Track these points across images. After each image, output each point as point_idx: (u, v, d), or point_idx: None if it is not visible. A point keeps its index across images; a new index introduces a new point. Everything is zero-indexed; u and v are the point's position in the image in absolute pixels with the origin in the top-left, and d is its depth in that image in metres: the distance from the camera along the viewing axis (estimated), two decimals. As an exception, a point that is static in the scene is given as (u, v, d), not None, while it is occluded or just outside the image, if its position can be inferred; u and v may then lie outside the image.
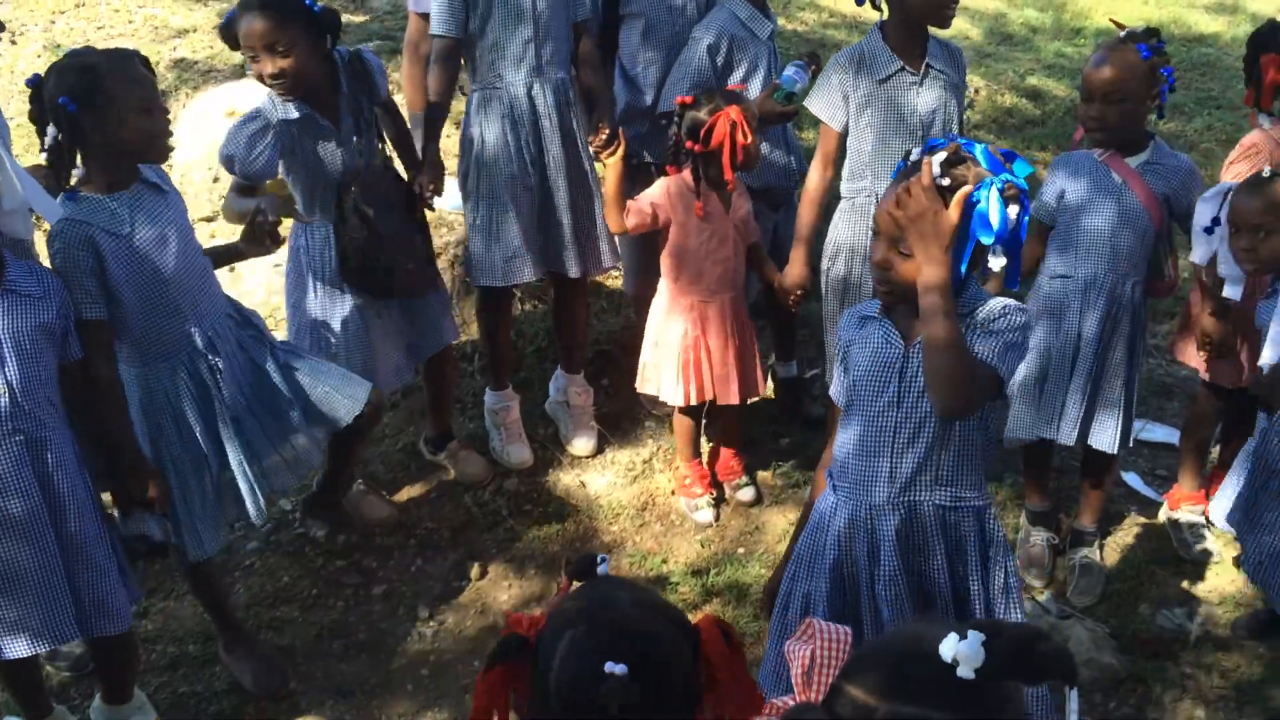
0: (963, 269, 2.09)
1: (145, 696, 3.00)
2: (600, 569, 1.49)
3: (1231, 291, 3.08)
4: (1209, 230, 3.05)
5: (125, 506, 2.74)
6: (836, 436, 2.35)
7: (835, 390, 2.39)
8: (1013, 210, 2.06)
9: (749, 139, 3.24)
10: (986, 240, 2.05)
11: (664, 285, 3.54)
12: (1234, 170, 3.27)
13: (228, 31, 3.08)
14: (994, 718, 1.14)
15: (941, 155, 2.07)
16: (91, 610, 2.60)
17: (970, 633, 1.14)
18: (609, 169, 3.40)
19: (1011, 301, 2.16)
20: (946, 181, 2.06)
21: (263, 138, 3.06)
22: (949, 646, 1.14)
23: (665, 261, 3.49)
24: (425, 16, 4.44)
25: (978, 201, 2.05)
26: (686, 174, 3.38)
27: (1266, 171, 2.94)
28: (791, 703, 1.38)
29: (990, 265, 2.09)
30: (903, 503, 2.24)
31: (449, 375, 3.80)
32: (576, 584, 1.50)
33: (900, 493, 2.23)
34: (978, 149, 2.11)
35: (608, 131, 3.40)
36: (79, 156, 2.63)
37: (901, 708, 1.16)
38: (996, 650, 1.13)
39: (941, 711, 1.14)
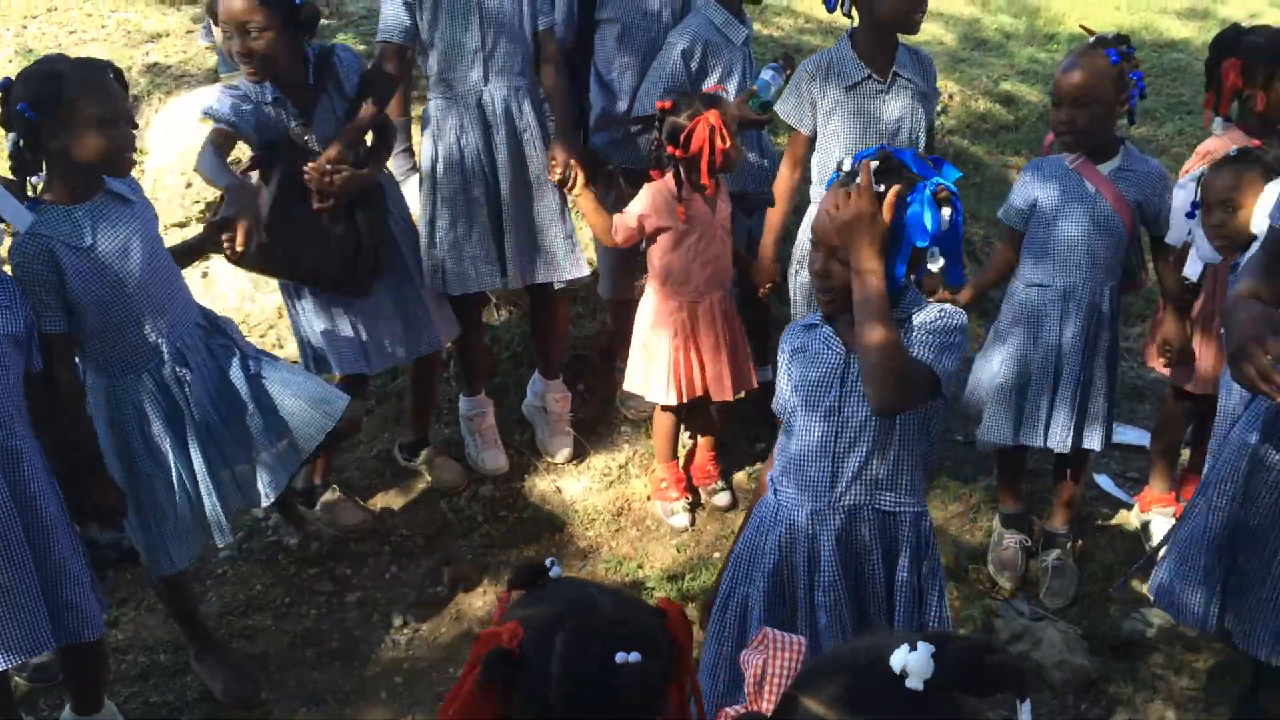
0: (900, 271, 2.13)
1: (115, 707, 2.97)
2: (552, 573, 1.49)
3: (1191, 270, 3.18)
4: (1190, 214, 3.11)
5: (80, 517, 2.72)
6: (778, 442, 2.38)
7: (778, 400, 2.40)
8: (946, 212, 2.10)
9: (728, 143, 3.26)
10: (921, 243, 2.10)
11: (651, 287, 3.55)
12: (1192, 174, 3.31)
13: (214, 8, 3.13)
14: None
15: (874, 162, 2.13)
16: (67, 617, 2.58)
17: (920, 644, 1.15)
18: (580, 198, 3.43)
19: (949, 306, 2.20)
20: (881, 188, 2.10)
21: (245, 104, 3.14)
22: (899, 658, 1.15)
23: (653, 265, 3.50)
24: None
25: (911, 203, 2.10)
26: (669, 179, 3.39)
27: (1234, 150, 2.99)
28: (742, 711, 1.39)
29: (929, 267, 2.13)
30: (843, 508, 2.26)
31: (431, 383, 3.78)
32: (518, 593, 1.48)
33: (840, 498, 2.26)
34: (908, 156, 2.15)
35: (560, 168, 3.41)
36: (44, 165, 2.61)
37: (852, 718, 1.16)
38: (946, 661, 1.14)
39: None
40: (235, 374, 2.89)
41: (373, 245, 3.31)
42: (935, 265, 2.13)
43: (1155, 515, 3.62)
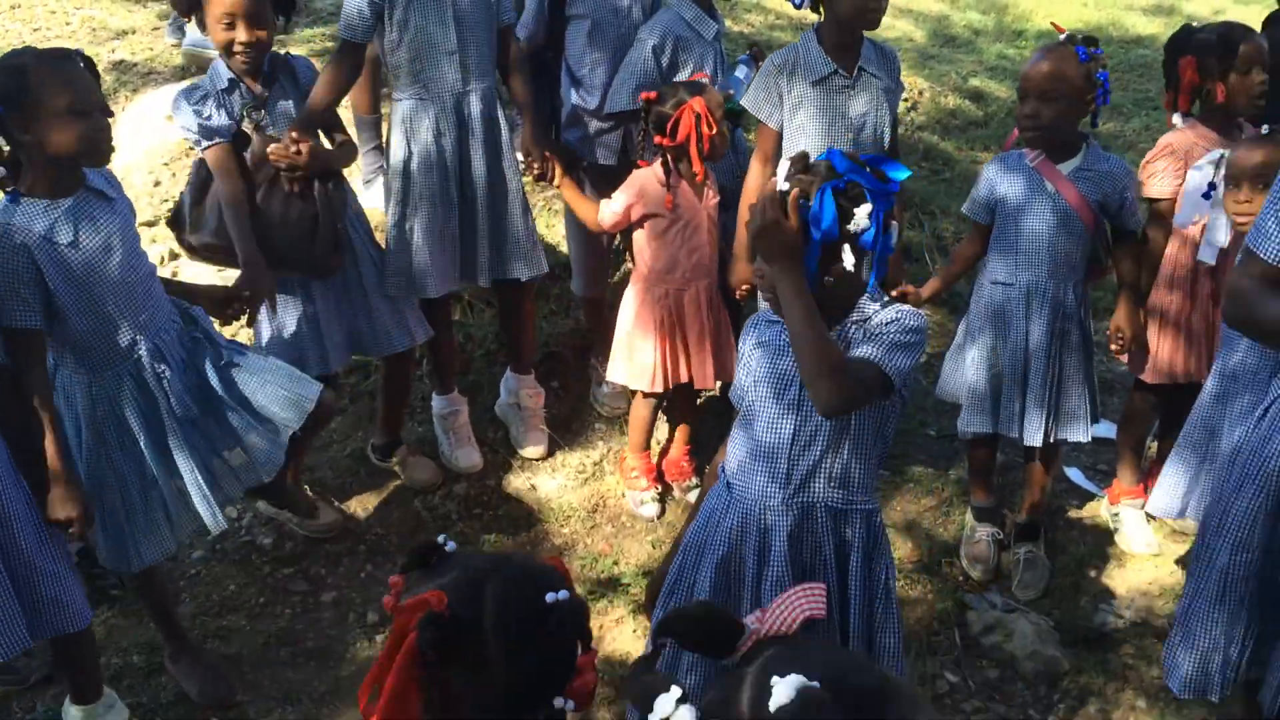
0: (813, 267, 2.13)
1: (115, 694, 2.96)
2: (449, 546, 1.53)
3: (1206, 254, 3.19)
4: (1206, 195, 3.14)
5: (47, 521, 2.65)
6: (733, 435, 2.38)
7: (734, 390, 2.40)
8: (862, 210, 2.10)
9: (714, 129, 3.29)
10: (815, 235, 2.11)
11: (635, 276, 3.55)
12: (1150, 169, 3.37)
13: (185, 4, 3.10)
14: None
15: (785, 166, 2.16)
16: (46, 613, 2.56)
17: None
18: (562, 189, 3.45)
19: (906, 306, 2.22)
20: (793, 191, 2.11)
21: (217, 105, 3.15)
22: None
23: (640, 253, 3.51)
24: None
25: (813, 202, 2.11)
26: (657, 167, 3.40)
27: (1265, 129, 3.06)
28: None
29: (844, 263, 2.13)
30: (797, 504, 2.26)
31: (403, 384, 3.76)
32: (413, 573, 1.52)
33: (795, 494, 2.26)
34: (837, 156, 2.15)
35: (537, 163, 3.42)
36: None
37: None
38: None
39: None
40: (208, 368, 2.87)
41: (331, 222, 3.27)
42: (849, 261, 2.13)
43: (1124, 507, 3.66)
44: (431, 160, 3.39)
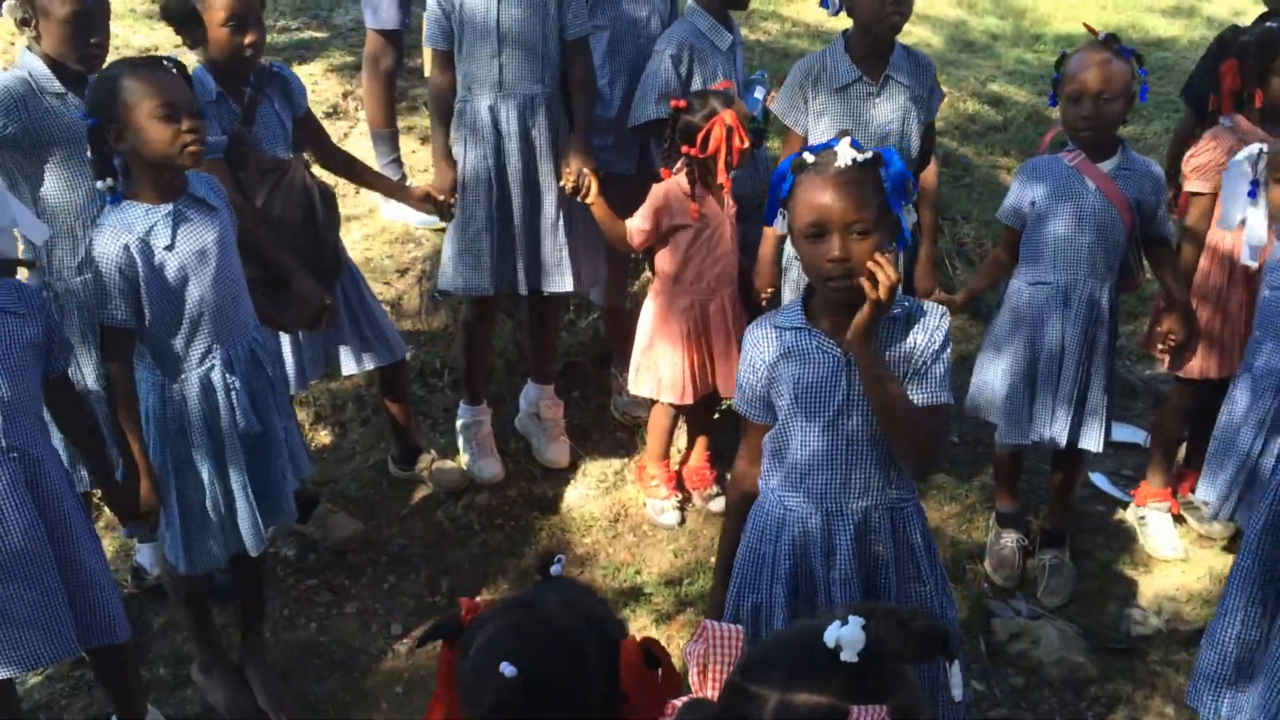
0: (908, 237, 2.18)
1: (158, 711, 2.97)
2: (553, 569, 1.51)
3: (1250, 256, 3.15)
4: (1252, 194, 3.10)
5: (124, 516, 2.73)
6: (768, 447, 2.31)
7: (745, 402, 2.33)
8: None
9: (746, 142, 3.29)
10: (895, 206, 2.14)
11: (657, 287, 3.56)
12: (1194, 162, 3.35)
13: (181, 4, 3.01)
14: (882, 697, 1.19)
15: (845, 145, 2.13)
16: (94, 621, 2.59)
17: (850, 618, 1.20)
18: (594, 206, 3.44)
19: (932, 306, 2.21)
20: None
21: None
22: (831, 634, 1.20)
23: (664, 264, 3.51)
24: (383, 33, 4.49)
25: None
26: (681, 177, 3.40)
27: None
28: (688, 700, 1.43)
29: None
30: (857, 510, 2.25)
31: (403, 394, 3.76)
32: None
33: (854, 501, 2.25)
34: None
35: (573, 177, 3.42)
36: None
37: (792, 696, 1.20)
38: (874, 632, 1.19)
39: (830, 696, 1.19)
40: (267, 394, 2.90)
41: (332, 224, 3.30)
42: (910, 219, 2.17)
43: (1151, 510, 3.63)
44: (474, 159, 3.45)
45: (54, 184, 3.01)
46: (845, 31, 3.28)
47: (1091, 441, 3.30)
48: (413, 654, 3.31)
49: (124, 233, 2.60)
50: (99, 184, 2.67)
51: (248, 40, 3.04)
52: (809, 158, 2.13)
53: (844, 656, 1.19)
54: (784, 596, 2.30)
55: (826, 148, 2.13)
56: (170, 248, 2.64)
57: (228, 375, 2.78)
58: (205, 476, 2.80)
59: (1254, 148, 3.11)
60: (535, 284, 3.61)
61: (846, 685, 1.18)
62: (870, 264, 2.05)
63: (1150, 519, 3.63)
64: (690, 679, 1.44)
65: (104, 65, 2.98)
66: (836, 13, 3.23)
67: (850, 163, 2.08)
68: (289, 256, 3.13)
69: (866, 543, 2.28)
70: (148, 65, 2.66)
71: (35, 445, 2.49)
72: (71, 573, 2.55)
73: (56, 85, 2.97)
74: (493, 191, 3.48)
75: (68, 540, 2.54)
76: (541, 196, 3.51)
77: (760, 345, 2.28)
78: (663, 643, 3.26)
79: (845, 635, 1.19)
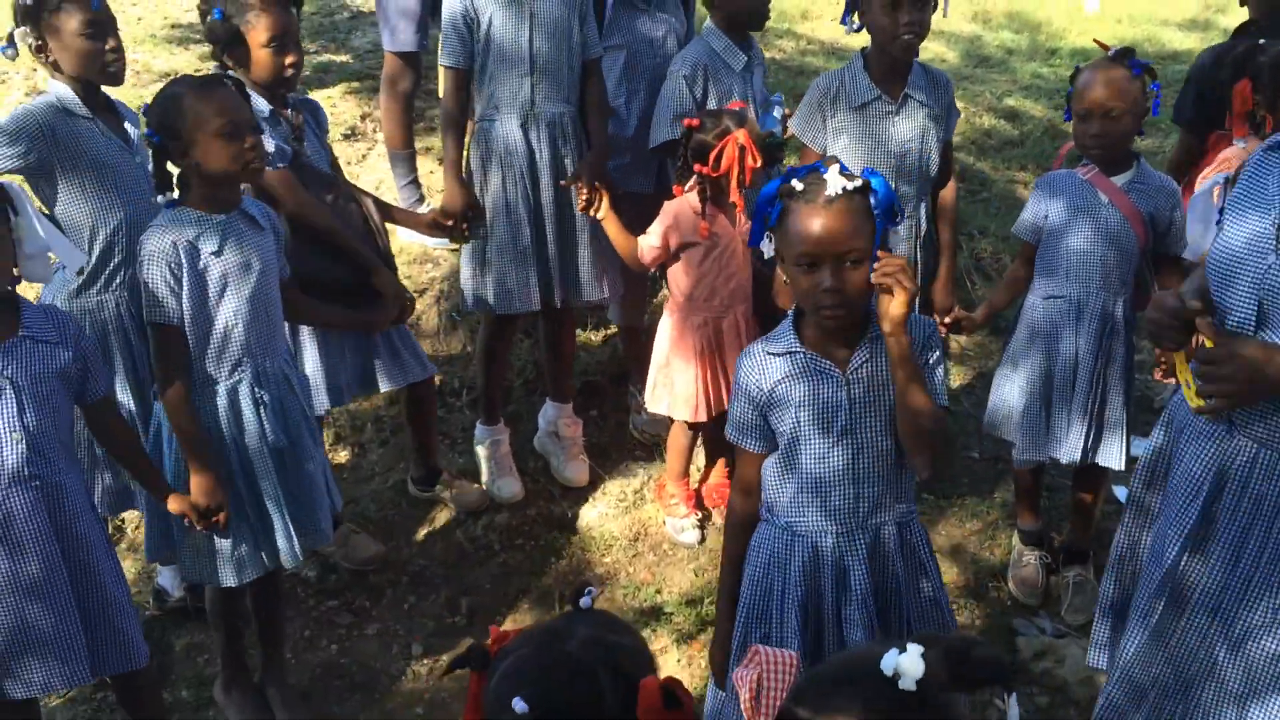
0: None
1: None
2: (583, 600, 1.50)
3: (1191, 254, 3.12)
4: (1219, 222, 3.06)
5: (197, 520, 2.73)
6: (771, 470, 2.29)
7: (738, 430, 2.31)
8: None
9: (759, 161, 3.28)
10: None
11: (672, 305, 3.56)
12: (1206, 182, 3.31)
13: (226, 27, 3.07)
14: None
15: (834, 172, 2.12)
16: (110, 649, 2.60)
17: (909, 645, 1.18)
18: (605, 223, 3.46)
19: (928, 325, 2.24)
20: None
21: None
22: (890, 661, 1.18)
23: (675, 283, 3.51)
24: (401, 55, 4.52)
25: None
26: (692, 196, 3.41)
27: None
28: None
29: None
30: (870, 527, 2.26)
31: (430, 414, 3.77)
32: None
33: (866, 518, 2.25)
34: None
35: (585, 191, 3.44)
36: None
37: None
38: (934, 661, 1.17)
39: None
40: (299, 414, 2.92)
41: (388, 246, 3.38)
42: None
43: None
44: (503, 179, 3.48)
45: (76, 207, 3.03)
46: (864, 50, 3.28)
47: (1112, 458, 3.27)
48: (433, 676, 3.31)
49: (175, 233, 2.66)
50: (159, 198, 2.75)
51: (289, 61, 3.13)
52: (797, 185, 2.12)
53: (902, 685, 1.17)
54: (797, 624, 2.28)
55: (813, 171, 2.12)
56: (218, 254, 2.70)
57: (257, 389, 2.80)
58: (238, 487, 2.81)
59: (1219, 176, 3.08)
60: (569, 297, 3.66)
61: (904, 714, 1.17)
62: (889, 279, 2.05)
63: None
64: (741, 704, 1.41)
65: (124, 74, 3.08)
66: (858, 29, 3.23)
67: (840, 191, 2.07)
68: (367, 250, 3.20)
69: (880, 559, 2.28)
70: (210, 84, 2.74)
71: (58, 473, 2.51)
72: (90, 599, 2.56)
73: (84, 110, 3.01)
74: (529, 211, 3.51)
75: (87, 567, 2.55)
76: (575, 211, 3.56)
77: (756, 372, 2.25)
78: (684, 662, 3.25)
79: (904, 663, 1.17)
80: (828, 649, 2.30)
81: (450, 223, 3.51)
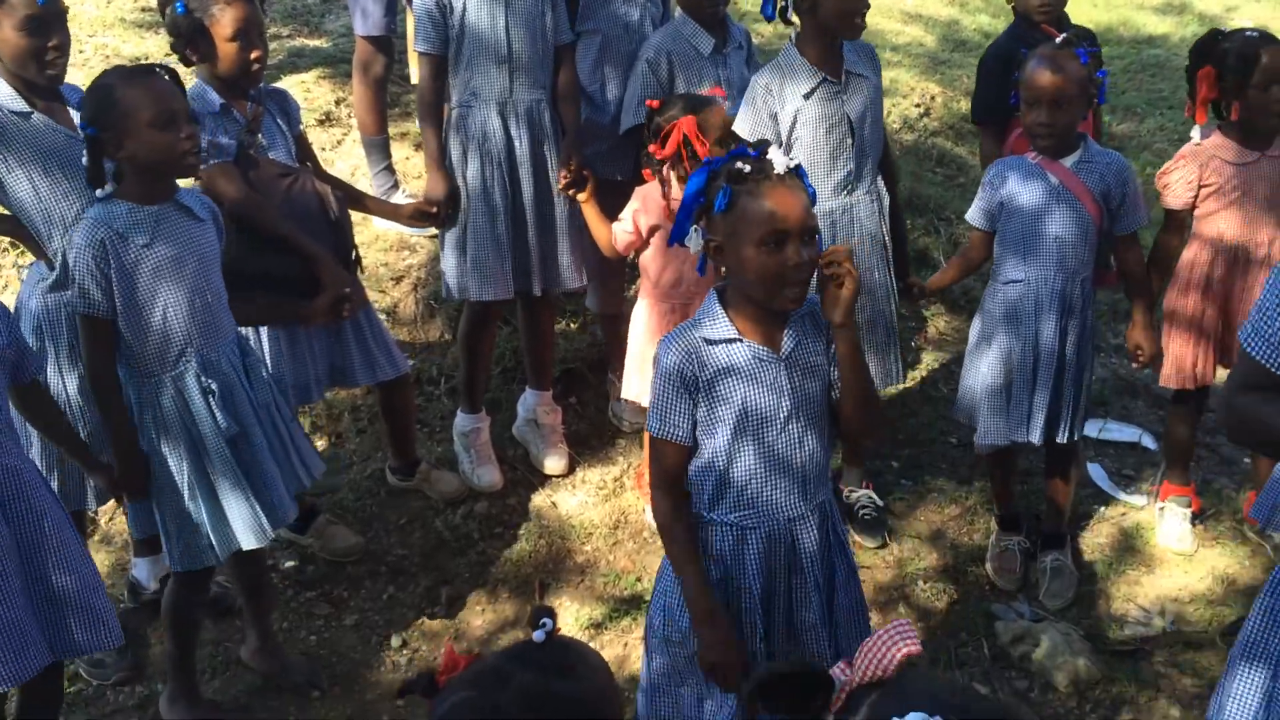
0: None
1: None
2: (535, 635, 1.46)
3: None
4: None
5: (118, 496, 2.78)
6: (720, 472, 2.22)
7: (680, 427, 2.21)
8: None
9: (705, 148, 3.25)
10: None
11: (645, 291, 3.54)
12: (1166, 179, 3.38)
13: (189, 21, 3.02)
14: None
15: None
16: (81, 628, 2.55)
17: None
18: (585, 207, 3.44)
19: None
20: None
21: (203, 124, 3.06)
22: None
23: (647, 267, 3.49)
24: (371, 40, 4.48)
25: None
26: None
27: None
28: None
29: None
30: (814, 507, 2.29)
31: (408, 407, 3.73)
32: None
33: (813, 498, 2.28)
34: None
35: (568, 174, 3.44)
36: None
37: None
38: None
39: None
40: (247, 401, 2.88)
41: (350, 238, 3.32)
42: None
43: (1171, 503, 3.65)
44: (481, 167, 3.46)
45: (31, 201, 2.96)
46: (795, 35, 3.28)
47: (1062, 433, 3.28)
48: (412, 666, 3.29)
49: (104, 226, 2.62)
50: (97, 192, 2.68)
51: (253, 55, 3.09)
52: (744, 167, 2.10)
53: None
54: (760, 623, 2.28)
55: (753, 157, 2.12)
56: (149, 246, 2.66)
57: (204, 379, 2.77)
58: (186, 475, 2.79)
59: None
60: (549, 284, 3.65)
61: None
62: (838, 268, 2.09)
63: (1168, 511, 3.64)
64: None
65: (65, 73, 3.00)
66: (773, 18, 3.27)
67: (786, 168, 2.10)
68: (312, 243, 3.15)
69: (826, 543, 2.31)
70: (142, 73, 2.69)
71: (9, 455, 2.46)
72: (60, 581, 2.51)
73: (20, 104, 2.93)
74: (506, 197, 3.49)
75: (56, 549, 2.50)
76: (554, 197, 3.55)
77: (691, 362, 2.17)
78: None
79: None
80: (776, 634, 2.31)
81: (435, 210, 3.48)
